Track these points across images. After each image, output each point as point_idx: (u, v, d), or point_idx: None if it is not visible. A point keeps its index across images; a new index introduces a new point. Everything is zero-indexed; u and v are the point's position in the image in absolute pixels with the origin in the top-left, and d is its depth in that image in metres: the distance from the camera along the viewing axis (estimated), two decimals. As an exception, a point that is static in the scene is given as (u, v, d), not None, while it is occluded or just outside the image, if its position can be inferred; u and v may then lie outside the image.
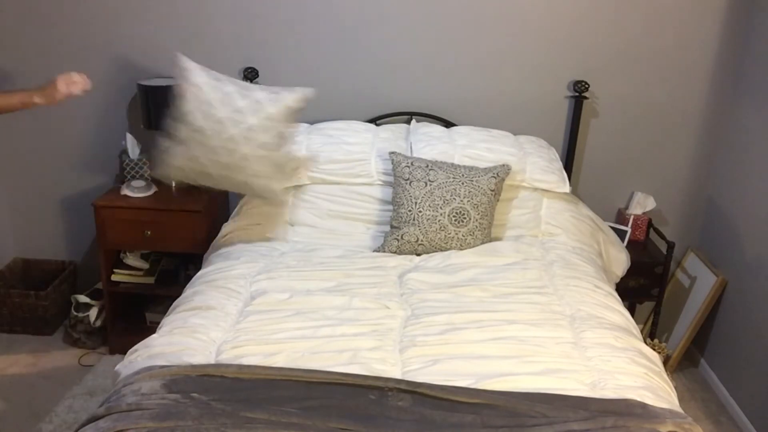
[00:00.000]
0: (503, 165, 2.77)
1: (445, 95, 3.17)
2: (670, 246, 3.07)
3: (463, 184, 2.67)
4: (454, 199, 2.64)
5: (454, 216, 2.63)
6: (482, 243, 2.67)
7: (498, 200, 2.77)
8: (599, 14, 3.03)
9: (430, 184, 2.67)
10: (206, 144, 2.20)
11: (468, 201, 2.64)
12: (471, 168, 2.73)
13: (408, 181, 2.70)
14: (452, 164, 2.76)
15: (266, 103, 2.32)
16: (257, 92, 2.32)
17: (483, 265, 2.52)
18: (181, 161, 2.22)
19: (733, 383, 2.99)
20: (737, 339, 2.98)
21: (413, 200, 2.66)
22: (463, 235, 2.63)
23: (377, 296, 2.29)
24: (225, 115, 2.23)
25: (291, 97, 2.38)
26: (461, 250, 2.64)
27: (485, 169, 2.73)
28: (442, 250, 2.64)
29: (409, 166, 2.72)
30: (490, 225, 2.72)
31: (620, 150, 3.25)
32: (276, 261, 2.53)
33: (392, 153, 2.78)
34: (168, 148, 2.22)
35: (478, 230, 2.66)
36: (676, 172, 3.28)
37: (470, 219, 2.63)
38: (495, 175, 2.71)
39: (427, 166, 2.72)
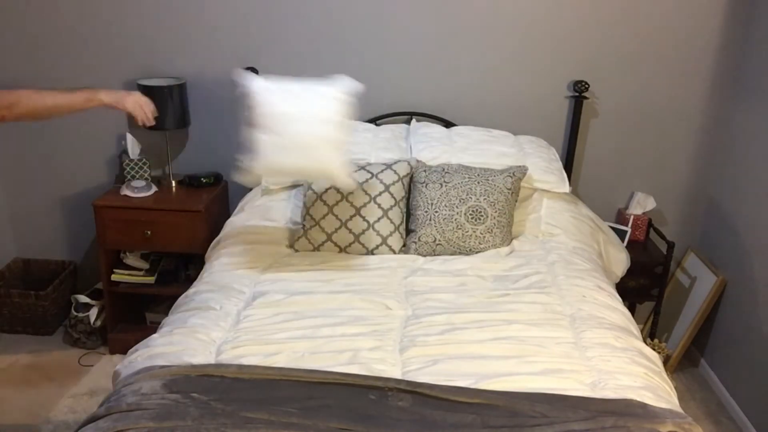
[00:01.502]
0: (520, 166, 2.77)
1: (445, 95, 3.18)
2: (670, 246, 3.07)
3: (479, 183, 2.67)
4: (470, 197, 2.64)
5: (470, 214, 2.62)
6: (502, 241, 2.67)
7: (516, 200, 2.76)
8: (599, 14, 3.03)
9: (446, 185, 2.67)
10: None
11: (484, 199, 2.64)
12: (486, 169, 2.74)
13: (424, 184, 2.70)
14: (468, 167, 2.76)
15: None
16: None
17: (484, 266, 2.52)
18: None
19: (733, 383, 2.99)
20: (737, 339, 2.98)
21: (429, 201, 2.66)
22: (481, 233, 2.63)
23: (378, 296, 2.29)
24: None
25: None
26: (480, 246, 2.63)
27: (501, 170, 2.74)
28: (461, 250, 2.63)
29: (425, 170, 2.73)
30: (509, 224, 2.71)
31: (620, 150, 3.25)
32: (280, 261, 2.54)
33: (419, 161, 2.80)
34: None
35: (497, 228, 2.65)
36: (676, 172, 3.28)
37: (487, 216, 2.63)
38: (511, 175, 2.71)
39: (443, 170, 2.72)
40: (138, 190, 3.09)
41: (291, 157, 2.26)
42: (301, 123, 2.26)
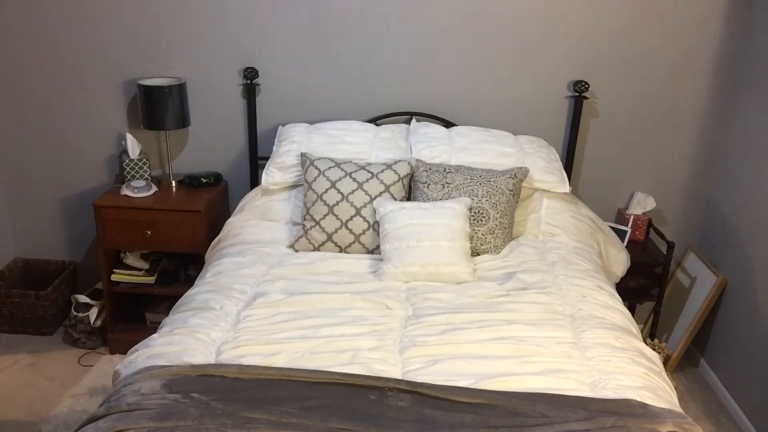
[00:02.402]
0: (521, 167, 2.78)
1: (445, 95, 3.18)
2: (670, 246, 3.07)
3: (480, 184, 2.67)
4: (472, 199, 2.64)
5: (472, 215, 2.62)
6: (503, 242, 2.67)
7: (517, 201, 2.76)
8: (599, 14, 3.03)
9: (448, 186, 2.67)
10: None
11: (486, 200, 2.64)
12: (488, 170, 2.74)
13: (425, 184, 2.70)
14: (469, 167, 2.76)
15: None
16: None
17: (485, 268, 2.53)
18: (320, 235, 2.64)
19: (733, 383, 2.99)
20: (737, 339, 2.98)
21: (431, 202, 2.65)
22: (482, 234, 2.63)
23: (378, 296, 2.29)
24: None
25: (399, 166, 2.75)
26: (481, 247, 2.63)
27: (503, 171, 2.74)
28: None
29: (426, 171, 2.73)
30: (510, 224, 2.72)
31: (620, 150, 3.25)
32: (281, 261, 2.54)
33: (418, 160, 2.80)
34: (309, 227, 2.65)
35: (498, 229, 2.65)
36: (676, 172, 3.28)
37: (489, 218, 2.63)
38: (512, 176, 2.71)
39: (445, 170, 2.72)
40: (138, 190, 3.08)
41: (419, 259, 2.45)
42: (426, 230, 2.49)
